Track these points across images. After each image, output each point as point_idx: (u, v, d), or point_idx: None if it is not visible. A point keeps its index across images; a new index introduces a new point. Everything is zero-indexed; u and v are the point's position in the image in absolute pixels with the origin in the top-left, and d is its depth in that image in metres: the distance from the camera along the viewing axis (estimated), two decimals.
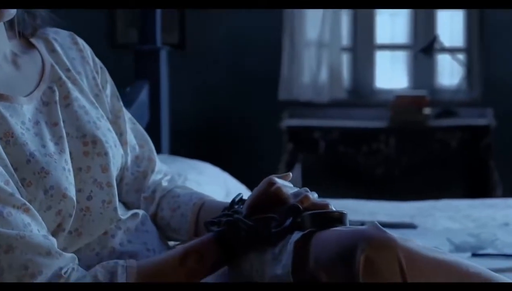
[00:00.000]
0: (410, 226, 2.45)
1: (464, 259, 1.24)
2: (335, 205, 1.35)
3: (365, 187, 4.45)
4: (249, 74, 4.88)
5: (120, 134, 1.60)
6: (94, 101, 1.55)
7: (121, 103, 1.64)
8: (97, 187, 1.44)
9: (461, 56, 4.87)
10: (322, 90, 4.78)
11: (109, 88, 1.63)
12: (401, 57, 5.04)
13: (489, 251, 2.11)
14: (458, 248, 2.15)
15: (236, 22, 4.80)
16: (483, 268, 1.24)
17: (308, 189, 1.35)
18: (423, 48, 4.70)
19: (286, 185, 1.37)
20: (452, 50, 4.84)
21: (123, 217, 1.49)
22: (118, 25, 4.86)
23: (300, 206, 1.28)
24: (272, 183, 1.34)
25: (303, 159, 4.57)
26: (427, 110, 4.55)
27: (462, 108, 4.68)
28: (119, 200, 1.56)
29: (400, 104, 4.57)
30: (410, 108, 4.52)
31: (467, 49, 4.91)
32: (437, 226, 2.51)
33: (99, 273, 1.30)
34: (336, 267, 1.18)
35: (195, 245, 1.33)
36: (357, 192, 4.05)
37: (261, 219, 1.30)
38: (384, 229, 1.20)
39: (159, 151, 3.13)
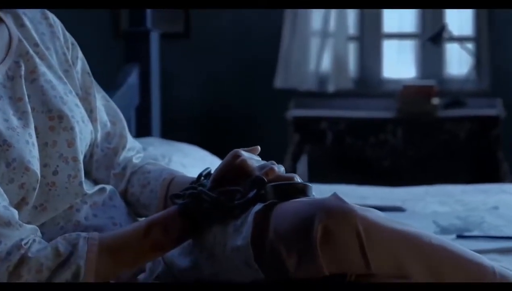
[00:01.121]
0: (398, 209, 2.45)
1: (429, 232, 1.24)
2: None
3: (372, 179, 4.40)
4: (254, 63, 4.86)
5: (91, 111, 1.60)
6: (63, 76, 1.55)
7: (93, 79, 1.64)
8: (63, 161, 1.45)
9: (470, 46, 4.84)
10: (328, 80, 4.75)
11: (80, 64, 1.63)
12: (409, 46, 5.01)
13: (475, 233, 2.11)
14: (444, 230, 2.15)
15: (241, 10, 4.76)
16: (449, 241, 1.24)
17: (274, 162, 1.35)
18: (431, 37, 4.67)
19: (252, 157, 1.37)
20: (460, 39, 4.80)
21: (89, 192, 1.49)
22: (122, 15, 4.81)
23: (264, 178, 1.29)
24: (238, 156, 1.35)
25: (310, 150, 4.56)
26: (435, 101, 4.52)
27: (471, 99, 4.65)
28: (90, 177, 1.59)
29: (408, 95, 4.54)
30: (418, 99, 4.50)
31: (476, 38, 4.88)
32: (426, 209, 2.51)
33: (60, 245, 1.31)
34: (295, 238, 1.18)
35: (159, 217, 1.34)
36: (364, 183, 3.99)
37: (225, 191, 1.31)
38: (345, 200, 1.20)
39: (149, 134, 3.16)
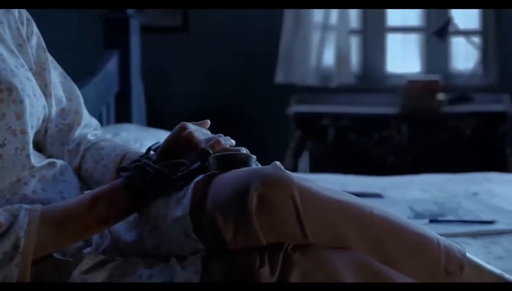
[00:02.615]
0: (376, 196, 2.46)
1: (373, 204, 1.24)
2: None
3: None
4: (254, 58, 4.82)
5: (45, 86, 1.60)
6: (15, 50, 1.54)
7: (48, 55, 1.64)
8: (11, 134, 1.44)
9: (476, 39, 4.81)
10: (330, 75, 4.72)
11: (35, 39, 1.62)
12: (414, 40, 4.98)
13: (449, 218, 2.14)
14: (418, 215, 2.17)
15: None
16: (393, 214, 1.24)
17: (222, 135, 1.36)
18: (437, 30, 4.64)
19: (200, 130, 1.38)
20: (467, 33, 4.78)
21: (37, 165, 1.49)
22: None
23: (209, 150, 1.30)
24: (185, 128, 1.36)
25: (312, 147, 4.56)
26: (440, 96, 4.50)
27: (477, 94, 4.62)
28: (45, 153, 1.60)
29: (412, 90, 4.52)
30: (423, 94, 4.48)
31: (483, 32, 4.84)
32: (405, 196, 2.53)
33: (1, 216, 1.30)
34: (231, 206, 1.19)
35: (104, 190, 1.34)
36: None
37: (170, 164, 1.31)
38: (283, 169, 1.20)
39: (129, 121, 3.17)
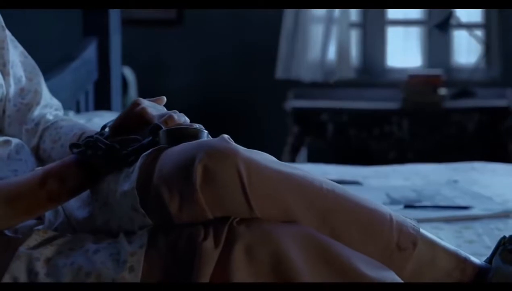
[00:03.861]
0: (355, 183, 2.49)
1: (324, 179, 1.25)
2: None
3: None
4: (252, 51, 4.80)
5: (3, 65, 1.59)
6: None
7: (8, 34, 1.62)
8: None
9: (479, 32, 4.79)
10: (329, 69, 4.71)
11: None
12: (415, 33, 4.98)
13: (425, 204, 2.16)
14: (393, 201, 2.19)
15: None
16: (344, 189, 1.25)
17: (177, 111, 1.35)
18: (438, 24, 4.60)
19: (154, 106, 1.37)
20: (469, 26, 4.75)
21: None
22: None
23: (161, 125, 1.29)
24: (138, 104, 1.35)
25: (310, 143, 4.55)
26: (442, 91, 4.48)
27: (480, 89, 4.60)
28: (3, 133, 1.59)
29: (414, 85, 4.50)
30: (424, 89, 4.47)
31: (486, 25, 4.82)
32: (385, 184, 2.55)
33: None
34: (176, 179, 1.19)
35: (55, 167, 1.34)
36: None
37: (122, 139, 1.32)
38: (231, 141, 1.20)
39: (108, 108, 3.18)
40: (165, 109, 1.39)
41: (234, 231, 1.18)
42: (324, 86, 4.72)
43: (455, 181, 2.50)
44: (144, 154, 1.26)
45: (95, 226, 1.33)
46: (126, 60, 4.66)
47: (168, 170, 1.20)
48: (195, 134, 1.27)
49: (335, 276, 1.18)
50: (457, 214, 2.05)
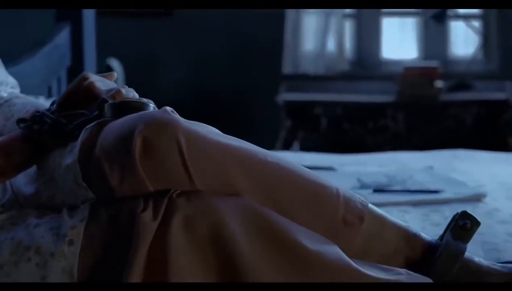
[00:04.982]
0: (328, 169, 2.51)
1: (269, 151, 1.25)
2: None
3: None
4: (244, 43, 4.78)
5: None
6: None
7: None
8: None
9: (476, 23, 4.79)
10: (323, 61, 4.71)
11: None
12: (410, 24, 4.98)
13: (395, 188, 2.18)
14: (363, 186, 2.21)
15: None
16: (291, 162, 1.25)
17: (126, 86, 1.36)
18: (435, 14, 4.58)
19: (103, 81, 1.38)
20: (466, 17, 4.76)
21: None
22: None
23: (108, 100, 1.30)
24: (86, 78, 1.35)
25: (303, 137, 4.53)
26: (439, 84, 4.46)
27: (477, 81, 4.59)
28: None
29: (409, 77, 4.49)
30: (420, 81, 4.45)
31: (484, 16, 4.81)
32: (360, 171, 2.57)
33: None
34: (116, 151, 1.19)
35: (1, 142, 1.34)
36: None
37: (69, 114, 1.32)
38: (174, 113, 1.21)
39: None
40: (115, 84, 1.38)
41: (173, 203, 1.18)
42: (317, 79, 4.71)
43: (431, 167, 2.50)
44: (87, 127, 1.26)
45: (41, 201, 1.33)
46: (114, 52, 4.62)
47: (109, 142, 1.20)
48: (140, 107, 1.27)
49: (275, 248, 1.18)
50: (425, 197, 2.06)
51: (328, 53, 4.68)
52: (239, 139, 1.24)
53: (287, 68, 4.66)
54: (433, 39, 4.81)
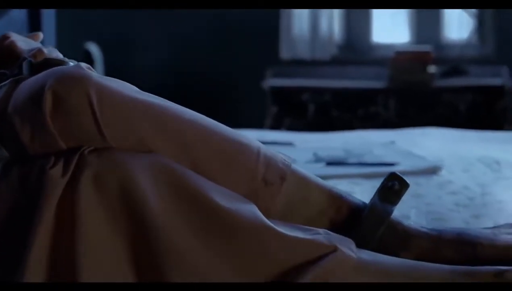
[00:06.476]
0: (287, 144, 2.55)
1: (190, 110, 1.26)
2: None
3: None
4: (229, 25, 4.75)
5: None
6: None
7: None
8: None
9: None
10: (311, 45, 4.68)
11: None
12: None
13: (350, 161, 2.22)
14: (318, 160, 2.25)
15: None
16: (209, 120, 1.26)
17: (50, 47, 1.34)
18: None
19: (25, 40, 1.37)
20: None
21: None
22: None
23: (29, 59, 1.29)
24: (7, 37, 1.35)
25: (289, 124, 4.49)
26: (431, 69, 4.45)
27: (472, 66, 4.58)
28: None
29: (401, 62, 4.48)
30: (413, 66, 4.45)
31: None
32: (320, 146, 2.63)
33: None
34: (27, 107, 1.19)
35: None
36: None
37: None
38: (91, 70, 1.22)
39: None
40: (39, 45, 1.35)
41: (84, 159, 1.17)
42: (304, 63, 4.70)
43: (392, 142, 2.53)
44: (1, 84, 1.24)
45: None
46: (91, 35, 4.51)
47: (21, 99, 1.19)
48: (59, 65, 1.24)
49: (186, 204, 1.18)
50: (379, 170, 2.07)
51: (317, 37, 4.66)
52: (157, 97, 1.23)
53: (274, 52, 4.63)
54: (426, 22, 4.79)
